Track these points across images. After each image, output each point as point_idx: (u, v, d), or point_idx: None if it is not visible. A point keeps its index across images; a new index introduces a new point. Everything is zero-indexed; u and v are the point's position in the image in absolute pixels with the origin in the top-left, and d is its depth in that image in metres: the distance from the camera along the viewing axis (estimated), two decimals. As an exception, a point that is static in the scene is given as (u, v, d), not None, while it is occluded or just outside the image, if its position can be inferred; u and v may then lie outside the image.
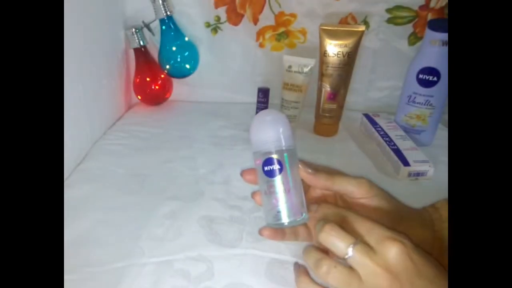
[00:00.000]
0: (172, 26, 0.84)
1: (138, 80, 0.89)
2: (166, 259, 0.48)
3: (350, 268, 0.36)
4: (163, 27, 0.84)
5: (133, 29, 0.83)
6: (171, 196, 0.60)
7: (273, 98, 0.81)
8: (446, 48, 0.66)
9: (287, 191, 0.41)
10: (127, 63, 0.89)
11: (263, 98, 0.75)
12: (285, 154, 0.41)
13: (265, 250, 0.50)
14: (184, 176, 0.66)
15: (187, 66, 0.89)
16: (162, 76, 0.90)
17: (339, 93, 0.75)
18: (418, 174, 0.65)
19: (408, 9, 0.80)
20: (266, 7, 0.82)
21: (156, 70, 0.88)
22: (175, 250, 0.50)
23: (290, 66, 0.75)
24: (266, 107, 0.77)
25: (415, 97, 0.72)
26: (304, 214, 0.42)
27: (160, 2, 0.80)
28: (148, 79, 0.89)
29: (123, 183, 0.63)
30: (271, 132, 0.42)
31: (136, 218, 0.55)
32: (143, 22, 0.84)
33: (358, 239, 0.35)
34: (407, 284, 0.33)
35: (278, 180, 0.41)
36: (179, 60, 0.88)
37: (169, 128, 0.81)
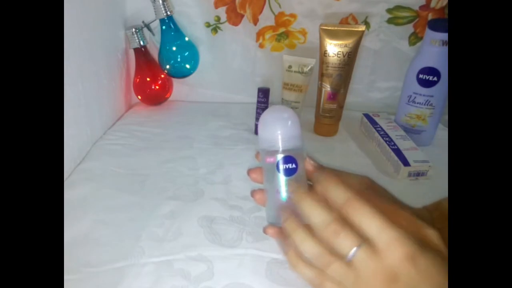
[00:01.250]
0: (172, 26, 0.84)
1: (138, 80, 0.89)
2: (166, 259, 0.48)
3: (349, 263, 0.35)
4: (163, 27, 0.84)
5: (133, 29, 0.83)
6: (171, 196, 0.60)
7: (273, 98, 0.81)
8: (446, 48, 0.66)
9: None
10: (127, 63, 0.89)
11: (263, 98, 0.75)
12: (297, 154, 0.41)
13: (265, 250, 0.50)
14: (184, 176, 0.65)
15: (187, 66, 0.89)
16: (162, 76, 0.90)
17: (339, 93, 0.75)
18: (418, 174, 0.65)
19: (408, 9, 0.80)
20: (266, 7, 0.82)
21: (156, 70, 0.89)
22: (175, 250, 0.50)
23: (290, 66, 0.75)
24: (266, 107, 0.77)
25: (415, 97, 0.72)
26: None
27: (160, 2, 0.80)
28: (148, 79, 0.89)
29: (123, 183, 0.63)
30: (291, 130, 0.41)
31: (136, 218, 0.55)
32: (143, 22, 0.84)
33: (363, 242, 0.34)
34: None
35: (293, 179, 0.41)
36: (179, 60, 0.88)
37: (169, 128, 0.81)
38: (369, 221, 0.34)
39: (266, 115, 0.43)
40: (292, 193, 0.41)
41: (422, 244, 0.33)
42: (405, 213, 0.37)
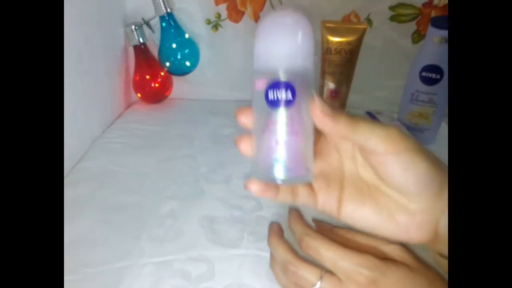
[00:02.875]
0: (172, 23, 0.83)
1: (137, 77, 0.88)
2: (166, 259, 0.48)
3: None
4: (163, 24, 0.83)
5: (133, 26, 0.82)
6: (171, 195, 0.60)
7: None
8: (449, 46, 0.66)
9: (294, 132, 0.30)
10: (126, 61, 0.89)
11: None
12: (299, 79, 0.30)
13: (266, 250, 0.49)
14: (184, 175, 0.65)
15: (187, 63, 0.88)
16: (162, 73, 0.89)
17: (341, 90, 0.74)
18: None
19: (411, 6, 0.79)
20: (267, 4, 0.82)
21: (156, 67, 0.88)
22: (176, 250, 0.50)
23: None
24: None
25: (418, 95, 0.72)
26: (309, 171, 0.31)
27: (160, -1, 0.79)
28: (148, 76, 0.88)
29: (123, 182, 0.63)
30: (295, 43, 0.29)
31: (136, 217, 0.55)
32: (143, 19, 0.84)
33: (324, 273, 0.35)
34: None
35: (284, 114, 0.30)
36: (179, 57, 0.87)
37: (169, 126, 0.81)
38: (325, 254, 0.35)
39: (264, 19, 0.30)
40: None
41: (383, 263, 0.34)
42: (361, 237, 0.37)
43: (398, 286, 0.33)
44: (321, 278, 0.35)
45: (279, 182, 0.31)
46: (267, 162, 0.31)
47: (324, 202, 0.35)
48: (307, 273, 0.35)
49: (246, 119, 0.33)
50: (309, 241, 0.36)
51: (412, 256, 0.35)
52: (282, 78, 0.29)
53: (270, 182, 0.32)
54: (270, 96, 0.30)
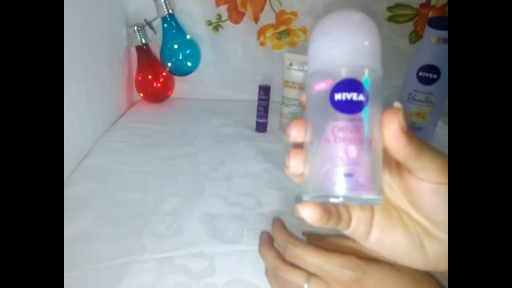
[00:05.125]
0: (174, 24, 0.84)
1: (140, 77, 0.89)
2: (167, 255, 0.49)
3: None
4: (165, 25, 0.84)
5: (135, 27, 0.83)
6: (173, 193, 0.60)
7: (274, 96, 0.81)
8: (446, 46, 0.66)
9: (366, 142, 0.25)
10: (129, 61, 0.89)
11: (264, 96, 0.75)
12: (369, 79, 0.25)
13: (266, 246, 0.50)
14: (185, 173, 0.66)
15: (189, 64, 0.89)
16: (164, 74, 0.90)
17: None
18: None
19: (409, 7, 0.80)
20: (267, 5, 0.82)
21: (158, 68, 0.89)
22: (177, 246, 0.50)
23: (291, 64, 0.76)
24: (267, 105, 0.77)
25: (415, 95, 0.72)
26: (381, 192, 0.26)
27: (162, 0, 0.80)
28: (150, 77, 0.89)
29: (125, 179, 0.64)
30: (364, 41, 0.26)
31: (138, 214, 0.56)
32: (145, 20, 0.85)
33: (310, 275, 0.36)
34: None
35: (357, 118, 0.25)
36: (180, 58, 0.88)
37: (170, 126, 0.82)
38: (309, 259, 0.36)
39: (328, 17, 0.27)
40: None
41: (365, 263, 0.35)
42: (350, 241, 0.38)
43: (381, 285, 0.34)
44: (308, 281, 0.36)
45: (341, 200, 0.25)
46: (328, 176, 0.25)
47: (356, 225, 0.31)
48: (295, 277, 0.36)
49: (297, 131, 0.28)
50: (293, 249, 0.37)
51: None
52: (352, 76, 0.25)
53: (330, 201, 0.26)
54: (337, 97, 0.25)
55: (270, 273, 0.40)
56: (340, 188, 0.25)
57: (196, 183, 0.63)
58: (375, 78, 0.25)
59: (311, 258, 0.36)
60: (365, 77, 0.25)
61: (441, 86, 0.69)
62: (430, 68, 0.69)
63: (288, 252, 0.38)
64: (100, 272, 0.46)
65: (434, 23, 0.67)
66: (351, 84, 0.25)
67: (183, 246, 0.50)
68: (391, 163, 0.30)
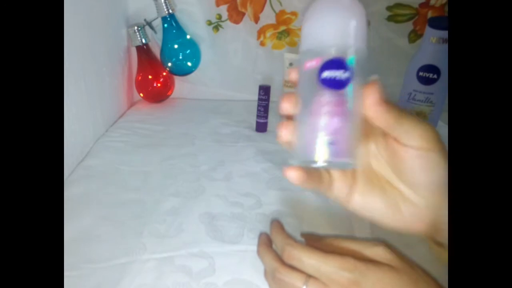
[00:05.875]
0: (174, 24, 0.84)
1: (140, 77, 0.89)
2: (168, 255, 0.49)
3: None
4: (165, 25, 0.84)
5: (136, 27, 0.83)
6: (173, 193, 0.60)
7: (274, 96, 0.82)
8: (446, 46, 0.66)
9: (346, 114, 0.29)
10: (129, 61, 0.89)
11: (264, 96, 0.75)
12: (354, 58, 0.29)
13: (266, 246, 0.50)
14: (185, 173, 0.66)
15: (189, 64, 0.89)
16: (164, 73, 0.90)
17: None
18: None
19: (408, 6, 0.80)
20: (267, 5, 0.83)
21: (158, 68, 0.89)
22: (177, 246, 0.50)
23: (291, 64, 0.76)
24: (267, 104, 0.77)
25: (415, 95, 0.72)
26: (355, 158, 0.30)
27: (162, 0, 0.80)
28: (150, 76, 0.89)
29: (125, 179, 0.64)
30: (351, 23, 0.29)
31: (138, 214, 0.56)
32: (145, 20, 0.85)
33: (308, 277, 0.36)
34: None
35: (341, 95, 0.28)
36: (181, 58, 0.88)
37: (170, 126, 0.82)
38: (307, 261, 0.36)
39: (319, 1, 0.30)
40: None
41: (363, 264, 0.35)
42: (346, 243, 0.38)
43: (379, 286, 0.34)
44: (306, 283, 0.36)
45: (323, 164, 0.30)
46: (313, 144, 0.29)
47: (338, 189, 0.36)
48: (293, 279, 0.36)
49: (289, 105, 0.32)
50: (291, 251, 0.37)
51: (396, 257, 0.35)
52: (339, 55, 0.28)
53: (312, 165, 0.30)
54: (324, 75, 0.28)
55: (269, 275, 0.40)
56: (323, 154, 0.29)
57: (196, 183, 0.63)
58: (360, 57, 0.29)
59: (309, 260, 0.36)
60: (351, 57, 0.28)
61: (441, 86, 0.69)
62: (430, 68, 0.69)
63: (286, 254, 0.38)
64: (100, 272, 0.46)
65: (434, 23, 0.67)
66: (337, 63, 0.28)
67: (183, 246, 0.50)
68: (377, 135, 0.34)
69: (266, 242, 0.43)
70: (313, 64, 0.29)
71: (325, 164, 0.29)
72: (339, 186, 0.35)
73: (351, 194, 0.36)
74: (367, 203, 0.35)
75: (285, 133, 0.32)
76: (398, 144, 0.32)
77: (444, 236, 0.34)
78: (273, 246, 0.43)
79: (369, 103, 0.29)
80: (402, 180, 0.34)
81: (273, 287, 0.40)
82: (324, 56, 0.28)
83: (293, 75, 0.32)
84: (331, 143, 0.29)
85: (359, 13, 0.29)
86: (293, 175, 0.32)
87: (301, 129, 0.31)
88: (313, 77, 0.29)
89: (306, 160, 0.30)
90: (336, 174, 0.35)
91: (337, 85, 0.28)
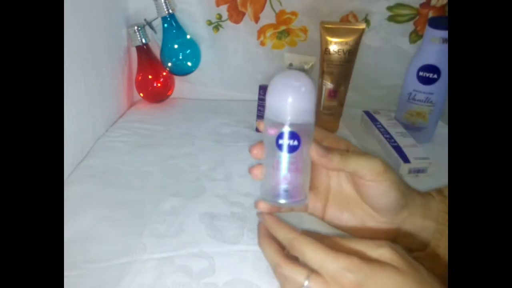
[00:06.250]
0: (174, 24, 0.84)
1: (140, 77, 0.89)
2: (168, 255, 0.49)
3: None
4: (165, 25, 0.84)
5: (135, 27, 0.83)
6: (173, 193, 0.60)
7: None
8: (446, 46, 0.66)
9: (297, 170, 0.39)
10: (129, 61, 0.89)
11: (264, 96, 0.75)
12: (303, 130, 0.38)
13: (266, 246, 0.50)
14: (185, 172, 0.66)
15: (189, 63, 0.89)
16: (164, 73, 0.90)
17: (339, 90, 0.75)
18: (418, 171, 0.65)
19: (409, 7, 0.80)
20: (267, 5, 0.82)
21: (158, 67, 0.89)
22: (177, 246, 0.50)
23: (291, 64, 0.76)
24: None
25: (415, 95, 0.72)
26: (306, 198, 0.41)
27: (162, 0, 0.80)
28: (150, 76, 0.89)
29: (125, 179, 0.64)
30: (301, 101, 0.37)
31: (138, 214, 0.56)
32: (145, 20, 0.85)
33: (311, 273, 0.36)
34: None
35: (290, 156, 0.38)
36: (181, 58, 0.88)
37: (171, 125, 0.82)
38: (311, 256, 0.36)
39: (276, 79, 0.38)
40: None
41: (368, 266, 0.34)
42: (350, 243, 0.38)
43: (386, 285, 0.33)
44: (308, 278, 0.35)
45: (282, 205, 0.40)
46: (275, 190, 0.39)
47: (313, 208, 0.47)
48: (295, 274, 0.36)
49: (257, 152, 0.41)
50: (296, 245, 0.37)
51: (401, 258, 0.35)
52: (290, 129, 0.37)
53: (275, 205, 0.41)
54: (280, 142, 0.38)
55: (271, 268, 0.40)
56: (280, 198, 0.40)
57: (196, 183, 0.63)
58: (307, 127, 0.38)
59: (314, 255, 0.36)
60: (300, 128, 0.37)
61: (441, 86, 0.69)
62: (430, 68, 0.69)
63: (292, 248, 0.38)
64: (100, 272, 0.46)
65: (435, 23, 0.67)
66: (290, 134, 0.37)
67: (183, 246, 0.50)
68: None
69: (268, 234, 0.42)
70: (272, 132, 0.38)
71: (282, 204, 0.40)
72: (313, 205, 0.47)
73: (325, 210, 0.47)
74: (338, 218, 0.46)
75: (256, 173, 0.42)
76: (354, 176, 0.42)
77: (406, 245, 0.40)
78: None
79: (315, 158, 0.39)
80: (366, 202, 0.43)
81: (276, 278, 0.40)
82: (280, 127, 0.37)
83: (261, 126, 0.41)
84: (287, 191, 0.39)
85: (308, 92, 0.37)
86: (262, 206, 0.42)
87: (266, 176, 0.41)
88: (273, 141, 0.38)
89: (270, 200, 0.40)
90: (311, 197, 0.45)
91: (290, 149, 0.38)
